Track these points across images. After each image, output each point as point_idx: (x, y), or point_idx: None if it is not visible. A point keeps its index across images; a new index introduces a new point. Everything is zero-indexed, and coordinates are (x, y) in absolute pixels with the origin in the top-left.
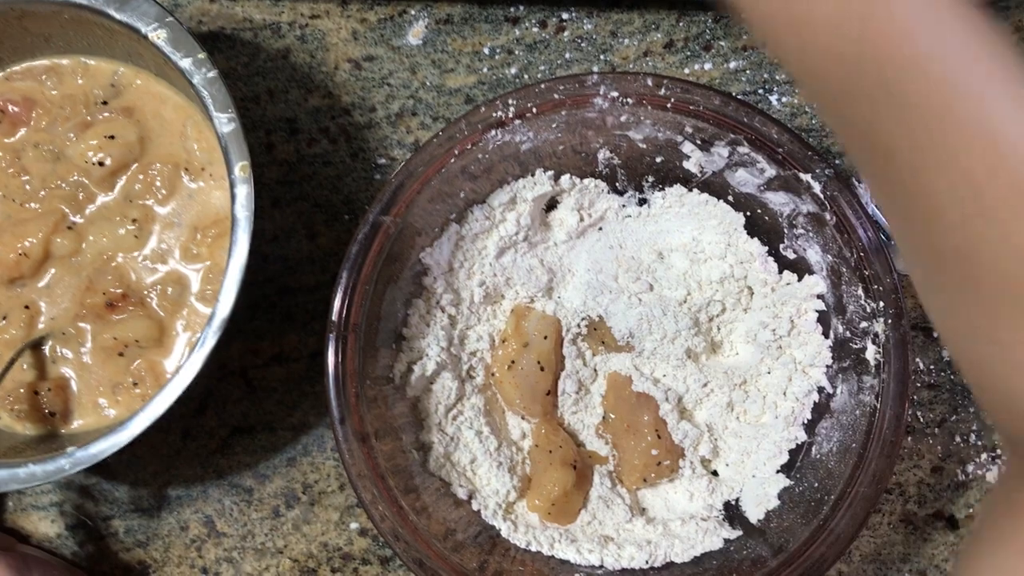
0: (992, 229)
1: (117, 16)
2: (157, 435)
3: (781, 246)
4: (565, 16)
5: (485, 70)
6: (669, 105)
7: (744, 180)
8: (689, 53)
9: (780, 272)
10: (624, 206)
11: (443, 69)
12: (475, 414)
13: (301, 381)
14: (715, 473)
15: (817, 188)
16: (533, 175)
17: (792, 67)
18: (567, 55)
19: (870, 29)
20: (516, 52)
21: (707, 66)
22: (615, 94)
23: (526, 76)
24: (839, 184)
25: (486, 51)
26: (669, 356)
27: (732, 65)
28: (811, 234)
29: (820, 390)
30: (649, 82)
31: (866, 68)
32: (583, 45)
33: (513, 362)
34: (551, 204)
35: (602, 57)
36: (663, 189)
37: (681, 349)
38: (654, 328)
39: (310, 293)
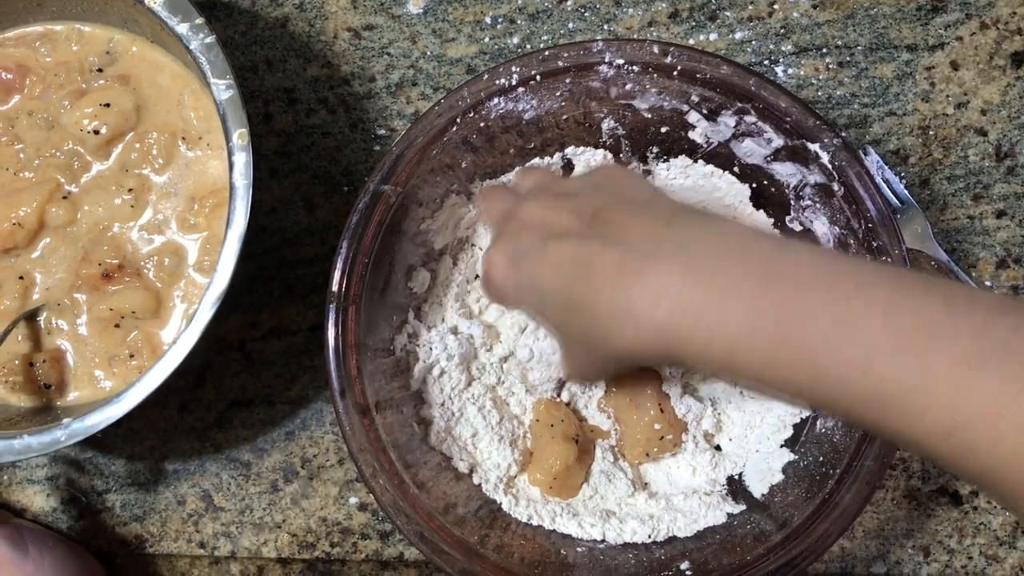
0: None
1: None
2: (154, 409)
3: (788, 218)
4: None
5: (487, 40)
6: (675, 73)
7: (751, 150)
8: (694, 23)
9: None
10: None
11: (444, 39)
12: (481, 391)
13: (300, 354)
14: (718, 448)
15: (825, 158)
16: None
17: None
18: (570, 25)
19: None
20: (518, 21)
21: (712, 36)
22: (620, 61)
23: (528, 46)
24: (847, 154)
25: (488, 20)
26: None
27: (738, 36)
28: (818, 205)
29: None
30: (655, 49)
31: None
32: (586, 15)
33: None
34: None
35: (606, 27)
36: (668, 160)
37: None
38: None
39: (309, 265)
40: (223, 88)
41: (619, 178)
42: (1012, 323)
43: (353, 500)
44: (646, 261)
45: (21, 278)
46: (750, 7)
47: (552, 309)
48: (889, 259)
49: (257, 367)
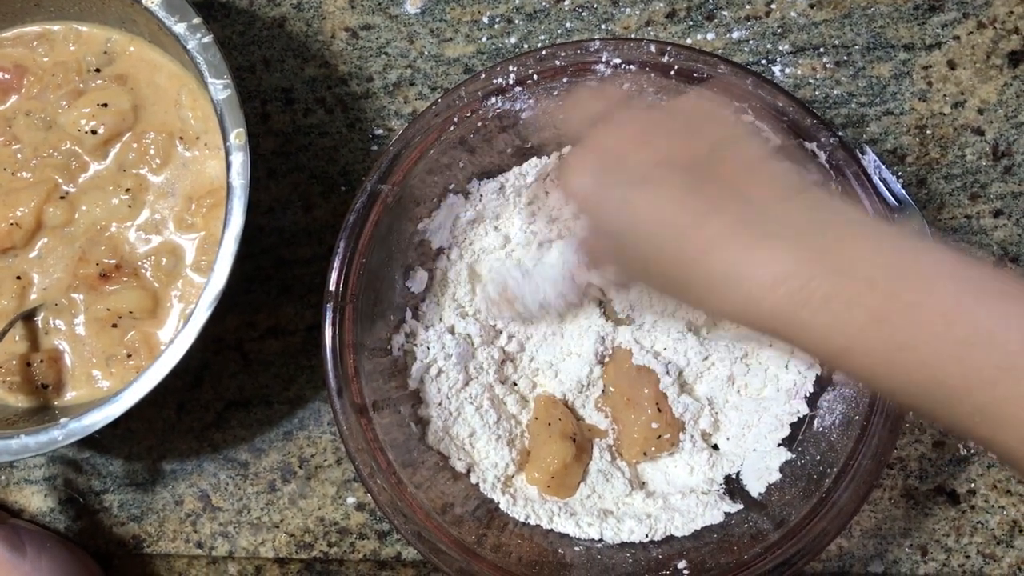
0: None
1: None
2: (152, 409)
3: None
4: None
5: (484, 39)
6: (673, 72)
7: None
8: (691, 23)
9: None
10: None
11: (441, 38)
12: (478, 390)
13: (297, 354)
14: (715, 447)
15: (823, 157)
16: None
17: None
18: (567, 24)
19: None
20: (516, 21)
21: (710, 36)
22: (618, 61)
23: (526, 45)
24: (845, 153)
25: (485, 20)
26: (670, 329)
27: (735, 35)
28: None
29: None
30: (652, 48)
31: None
32: (584, 14)
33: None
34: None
35: (603, 27)
36: None
37: (681, 322)
38: (654, 301)
39: (306, 265)
40: (220, 88)
41: (729, 119)
42: None
43: (351, 500)
44: (773, 232)
45: (18, 278)
46: (747, 7)
47: (638, 243)
48: None
49: (255, 367)
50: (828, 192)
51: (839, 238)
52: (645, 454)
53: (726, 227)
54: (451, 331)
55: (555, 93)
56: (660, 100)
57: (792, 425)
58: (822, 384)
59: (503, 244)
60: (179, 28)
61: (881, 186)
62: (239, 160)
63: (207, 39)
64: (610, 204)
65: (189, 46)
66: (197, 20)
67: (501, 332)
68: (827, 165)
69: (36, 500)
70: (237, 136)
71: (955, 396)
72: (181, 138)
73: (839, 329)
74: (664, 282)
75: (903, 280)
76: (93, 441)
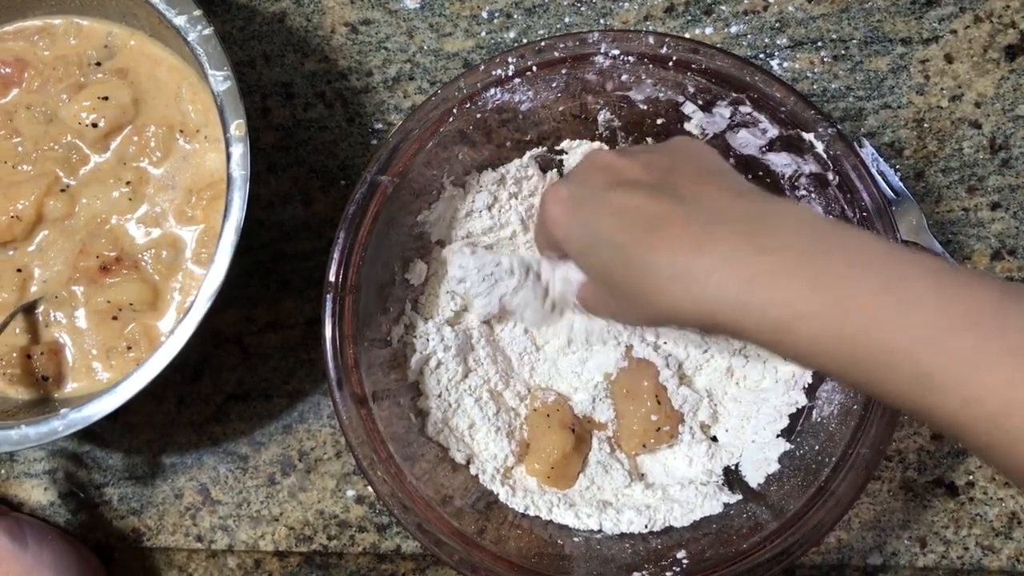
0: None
1: None
2: (151, 402)
3: None
4: None
5: (483, 34)
6: (671, 64)
7: (746, 141)
8: (690, 17)
9: None
10: None
11: (441, 33)
12: (478, 382)
13: (297, 348)
14: (714, 438)
15: (820, 148)
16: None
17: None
18: (567, 19)
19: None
20: (515, 16)
21: (708, 30)
22: (616, 52)
23: (525, 40)
24: (842, 144)
25: (484, 15)
26: None
27: (733, 29)
28: (813, 195)
29: None
30: (651, 40)
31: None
32: (583, 9)
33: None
34: (546, 166)
35: (602, 21)
36: None
37: None
38: None
39: (306, 259)
40: (221, 79)
41: (692, 146)
42: None
43: (350, 493)
44: (714, 225)
45: (19, 271)
46: (745, 1)
47: (603, 254)
48: None
49: (254, 361)
50: (767, 193)
51: (778, 224)
52: (644, 446)
53: (676, 227)
54: (450, 323)
55: (554, 85)
56: None
57: (791, 416)
58: (820, 375)
59: (492, 231)
60: (180, 20)
61: (879, 179)
62: (239, 151)
63: (207, 31)
64: (579, 221)
65: (190, 38)
66: (198, 12)
67: (494, 326)
68: (825, 156)
69: (36, 494)
70: (237, 127)
71: (894, 362)
72: (181, 131)
73: (779, 304)
74: (624, 293)
75: (838, 252)
76: (93, 435)
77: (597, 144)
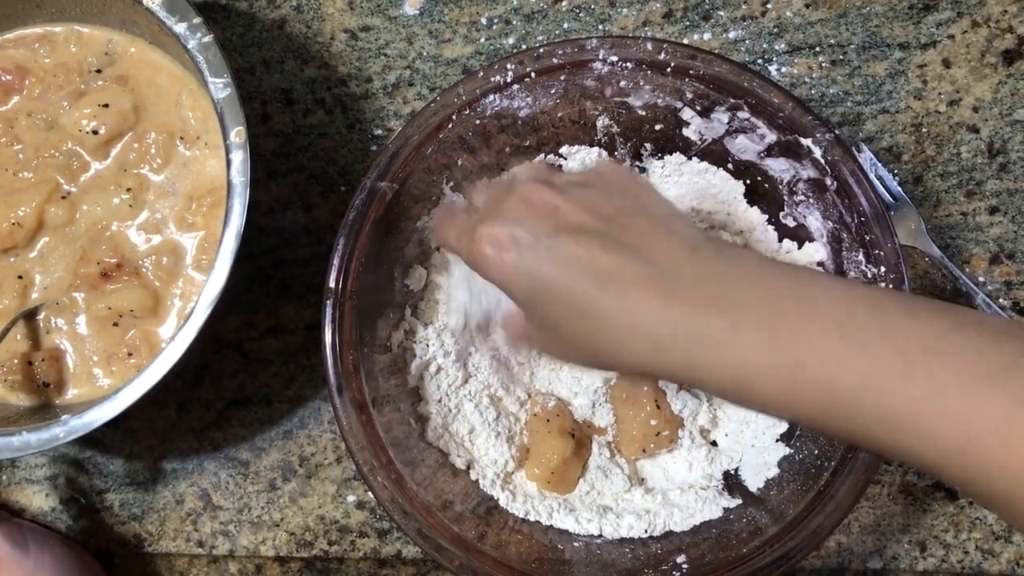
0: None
1: None
2: (152, 408)
3: (781, 214)
4: None
5: (482, 40)
6: (669, 70)
7: (744, 147)
8: (688, 23)
9: (780, 240)
10: None
11: (440, 39)
12: (477, 388)
13: (297, 353)
14: (714, 443)
15: (818, 153)
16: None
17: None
18: (565, 25)
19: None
20: (514, 22)
21: (706, 36)
22: (615, 58)
23: (524, 46)
24: (840, 149)
25: (483, 21)
26: None
27: (731, 35)
28: (811, 200)
29: None
30: (649, 46)
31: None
32: (581, 15)
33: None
34: None
35: (600, 27)
36: (662, 158)
37: None
38: None
39: (306, 265)
40: (221, 86)
41: (626, 179)
42: (1020, 345)
43: (351, 498)
44: (672, 284)
45: (20, 277)
46: (743, 6)
47: (553, 305)
48: (882, 253)
49: (255, 366)
50: (718, 242)
51: (730, 282)
52: (644, 451)
53: (633, 281)
54: (450, 328)
55: (552, 91)
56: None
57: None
58: None
59: None
60: (180, 28)
61: (878, 184)
62: (239, 158)
63: (207, 39)
64: (522, 267)
65: (189, 46)
66: (197, 20)
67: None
68: (822, 161)
69: (37, 500)
70: (237, 134)
71: (852, 409)
72: (182, 138)
73: (738, 362)
74: (575, 343)
75: (791, 302)
76: (94, 440)
77: (596, 151)
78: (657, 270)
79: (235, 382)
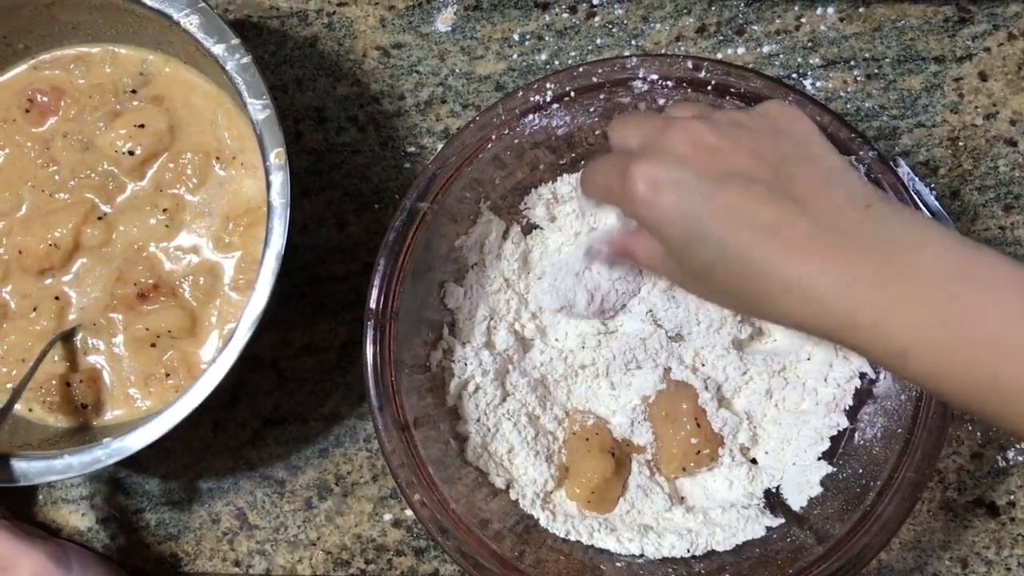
0: None
1: (148, 2)
2: (188, 428)
3: None
4: (596, 1)
5: (515, 56)
6: (710, 88)
7: None
8: (722, 38)
9: None
10: None
11: (472, 56)
12: (516, 406)
13: (332, 371)
14: (754, 461)
15: (861, 171)
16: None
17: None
18: (598, 41)
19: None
20: (546, 38)
21: (740, 51)
22: (655, 77)
23: (556, 62)
24: (883, 166)
25: (516, 37)
26: (715, 345)
27: (765, 49)
28: None
29: (862, 376)
30: (689, 64)
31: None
32: (614, 31)
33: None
34: None
35: (633, 42)
36: None
37: (728, 338)
38: (701, 318)
39: (340, 283)
40: (259, 108)
41: (794, 123)
42: None
43: (388, 517)
44: (843, 243)
45: (57, 299)
46: (777, 21)
47: (709, 251)
48: None
49: (290, 385)
50: (893, 202)
51: (904, 247)
52: (684, 469)
53: (800, 236)
54: (487, 347)
55: (591, 110)
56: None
57: (832, 438)
58: (862, 397)
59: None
60: (218, 49)
61: (915, 198)
62: (279, 179)
63: (245, 59)
64: (674, 210)
65: (228, 67)
66: (235, 41)
67: (535, 346)
68: (866, 178)
69: (74, 519)
70: (277, 156)
71: (1012, 396)
72: (217, 158)
73: (902, 330)
74: (724, 289)
75: (963, 283)
76: (129, 460)
77: None
78: (825, 226)
79: (270, 401)
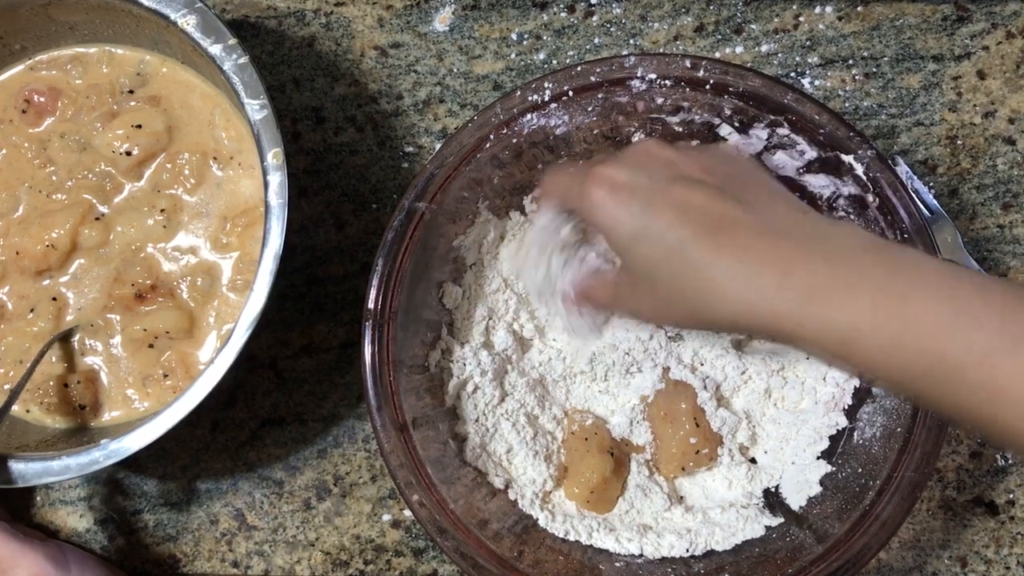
0: None
1: (145, 2)
2: (186, 428)
3: None
4: (593, 1)
5: (513, 56)
6: (708, 86)
7: (783, 163)
8: (720, 37)
9: None
10: None
11: (470, 55)
12: (514, 406)
13: (331, 372)
14: (753, 460)
15: (859, 169)
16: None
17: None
18: (596, 40)
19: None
20: (544, 37)
21: (738, 49)
22: (653, 76)
23: (554, 62)
24: (881, 165)
25: (514, 37)
26: (714, 345)
27: (764, 48)
28: (852, 216)
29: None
30: (687, 63)
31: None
32: (612, 30)
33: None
34: None
35: (631, 42)
36: None
37: (727, 338)
38: None
39: (339, 283)
40: (257, 108)
41: (743, 159)
42: None
43: (386, 517)
44: (783, 238)
45: (54, 299)
46: (775, 20)
47: (655, 247)
48: None
49: (289, 385)
50: (825, 216)
51: (842, 243)
52: (683, 469)
53: (743, 232)
54: (486, 347)
55: (589, 109)
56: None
57: (831, 438)
58: (861, 396)
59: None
60: (215, 49)
61: (913, 197)
62: (277, 180)
63: (243, 60)
64: (632, 209)
65: (225, 67)
66: (233, 41)
67: (533, 345)
68: (864, 177)
69: (72, 520)
70: (274, 156)
71: (954, 374)
72: (215, 158)
73: (842, 319)
74: (668, 295)
75: (896, 273)
76: (128, 461)
77: None
78: (769, 222)
79: (269, 401)
